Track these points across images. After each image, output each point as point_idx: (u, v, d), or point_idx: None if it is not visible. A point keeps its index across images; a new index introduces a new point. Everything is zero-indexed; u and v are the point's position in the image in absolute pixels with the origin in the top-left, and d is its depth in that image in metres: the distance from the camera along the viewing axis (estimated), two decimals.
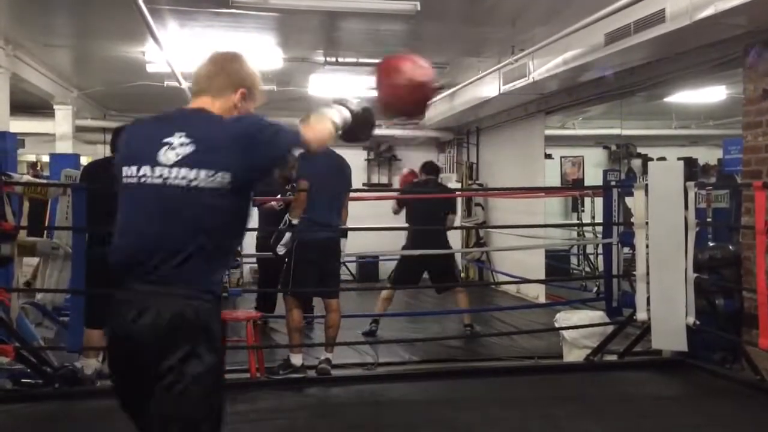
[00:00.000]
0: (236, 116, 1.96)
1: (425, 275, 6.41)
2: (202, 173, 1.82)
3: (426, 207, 6.44)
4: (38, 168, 9.47)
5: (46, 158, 9.02)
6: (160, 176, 1.83)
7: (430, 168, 6.81)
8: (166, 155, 1.84)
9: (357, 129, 2.26)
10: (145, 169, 1.85)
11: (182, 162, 1.83)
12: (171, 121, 1.94)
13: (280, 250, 4.85)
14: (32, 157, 10.01)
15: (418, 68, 2.52)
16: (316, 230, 4.77)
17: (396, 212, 6.45)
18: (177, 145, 1.85)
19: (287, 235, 4.83)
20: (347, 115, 2.19)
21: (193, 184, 1.81)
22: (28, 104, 8.56)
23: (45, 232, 5.17)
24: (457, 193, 9.27)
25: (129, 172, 1.88)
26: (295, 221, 4.76)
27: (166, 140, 1.86)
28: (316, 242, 4.79)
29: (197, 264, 1.82)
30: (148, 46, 6.23)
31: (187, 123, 1.92)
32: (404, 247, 6.48)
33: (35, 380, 4.34)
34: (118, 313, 1.84)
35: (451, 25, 5.76)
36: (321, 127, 2.08)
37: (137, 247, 1.84)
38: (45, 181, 6.28)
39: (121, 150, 2.00)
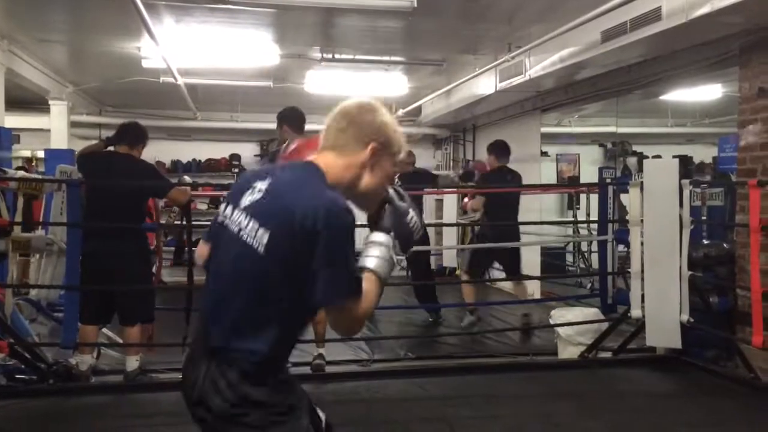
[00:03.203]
0: (329, 198, 1.56)
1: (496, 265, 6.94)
2: (254, 225, 1.60)
3: (505, 198, 6.50)
4: (33, 164, 9.44)
5: (41, 154, 8.99)
6: (238, 224, 1.65)
7: (502, 151, 6.68)
8: (247, 198, 1.66)
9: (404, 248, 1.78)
10: (233, 211, 1.68)
11: (251, 212, 1.63)
12: (275, 165, 1.84)
13: None
14: (27, 153, 9.97)
15: None
16: None
17: (476, 209, 6.61)
18: (259, 190, 1.65)
19: None
20: (398, 255, 1.73)
21: (249, 236, 1.61)
22: (23, 99, 8.52)
23: (39, 227, 5.16)
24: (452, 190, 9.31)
25: (225, 211, 1.72)
26: None
27: (254, 184, 1.68)
28: None
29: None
30: (144, 42, 6.20)
31: (283, 171, 1.72)
32: (482, 237, 6.68)
33: (29, 376, 4.34)
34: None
35: (447, 21, 5.75)
36: (371, 296, 1.62)
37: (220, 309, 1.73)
38: (39, 176, 6.27)
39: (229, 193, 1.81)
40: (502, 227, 6.37)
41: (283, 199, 1.59)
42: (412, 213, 1.74)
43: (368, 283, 1.61)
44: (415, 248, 1.91)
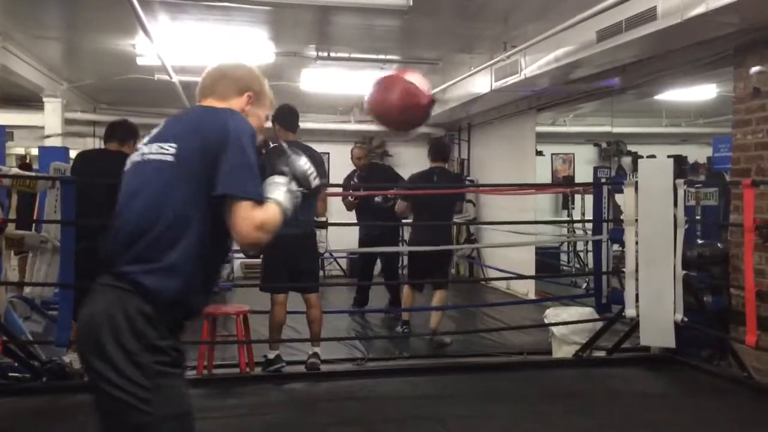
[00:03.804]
0: (230, 111, 1.83)
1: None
2: (153, 146, 1.82)
3: (433, 199, 5.92)
4: (27, 161, 9.41)
5: (35, 151, 8.96)
6: (132, 162, 1.89)
7: (438, 152, 6.14)
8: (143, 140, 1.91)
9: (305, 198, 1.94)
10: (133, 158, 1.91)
11: (147, 141, 1.87)
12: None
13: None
14: (21, 150, 9.94)
15: (417, 85, 2.57)
16: (281, 226, 4.67)
17: (403, 212, 6.09)
18: (154, 130, 1.90)
19: None
20: (297, 200, 1.87)
21: (146, 158, 1.82)
22: (17, 96, 8.50)
23: (33, 225, 5.13)
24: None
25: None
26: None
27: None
28: (282, 239, 4.69)
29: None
30: (139, 39, 6.19)
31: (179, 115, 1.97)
32: (411, 244, 6.11)
33: (23, 374, 4.32)
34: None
35: (443, 20, 5.76)
36: (273, 213, 1.76)
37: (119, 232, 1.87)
38: (33, 173, 6.24)
39: None
40: (428, 231, 5.86)
41: (187, 118, 1.87)
42: (304, 159, 1.92)
43: (272, 205, 1.77)
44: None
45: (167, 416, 1.67)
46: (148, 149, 1.82)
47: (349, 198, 6.59)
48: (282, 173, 1.85)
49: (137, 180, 1.81)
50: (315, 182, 1.93)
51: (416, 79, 2.64)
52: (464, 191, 9.47)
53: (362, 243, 6.86)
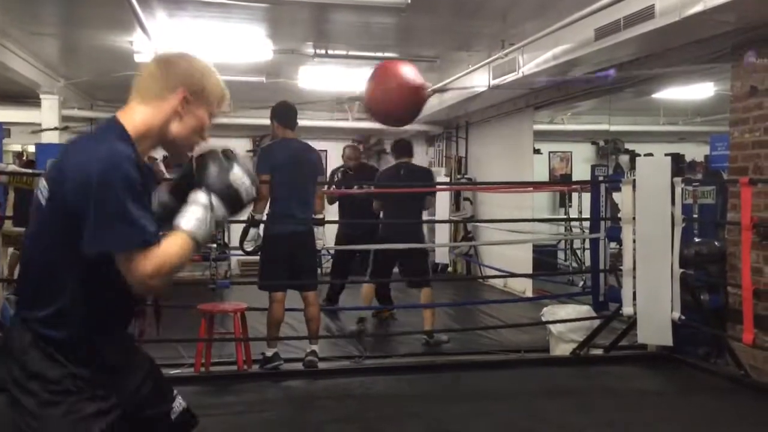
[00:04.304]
0: (102, 154, 1.52)
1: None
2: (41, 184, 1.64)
3: (399, 196, 5.88)
4: (24, 158, 9.39)
5: (32, 148, 8.93)
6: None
7: (402, 148, 6.11)
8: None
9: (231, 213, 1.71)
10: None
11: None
12: None
13: (247, 246, 4.73)
14: (18, 147, 9.92)
15: (410, 73, 2.58)
16: (280, 223, 4.67)
17: (377, 210, 6.08)
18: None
19: (252, 231, 4.72)
20: (219, 213, 1.65)
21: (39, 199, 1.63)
22: (14, 93, 8.46)
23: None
24: (445, 186, 9.31)
25: None
26: (258, 216, 4.70)
27: None
28: (281, 236, 4.67)
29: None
30: (136, 36, 6.17)
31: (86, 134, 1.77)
32: (380, 241, 5.86)
33: None
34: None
35: (441, 18, 5.75)
36: (170, 254, 1.55)
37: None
38: (30, 171, 6.22)
39: None
40: (397, 228, 5.77)
41: (65, 159, 1.59)
42: (238, 171, 1.68)
43: (175, 240, 1.57)
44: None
45: None
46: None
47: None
48: (205, 189, 1.64)
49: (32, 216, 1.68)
50: (246, 195, 1.69)
51: (410, 70, 2.64)
52: (458, 189, 9.51)
53: (342, 239, 6.78)
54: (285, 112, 4.82)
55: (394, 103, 2.62)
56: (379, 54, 6.93)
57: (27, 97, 8.50)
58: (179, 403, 1.87)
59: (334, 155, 9.20)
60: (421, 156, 11.30)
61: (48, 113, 8.30)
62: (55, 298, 1.59)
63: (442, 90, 8.07)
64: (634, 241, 4.77)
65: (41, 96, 8.20)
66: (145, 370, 1.81)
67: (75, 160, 1.55)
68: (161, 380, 1.88)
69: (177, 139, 1.69)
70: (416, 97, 2.62)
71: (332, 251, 7.42)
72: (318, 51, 6.72)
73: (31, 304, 1.62)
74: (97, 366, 1.63)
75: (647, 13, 4.51)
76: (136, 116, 1.65)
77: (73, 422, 1.57)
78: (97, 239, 1.50)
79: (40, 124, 8.35)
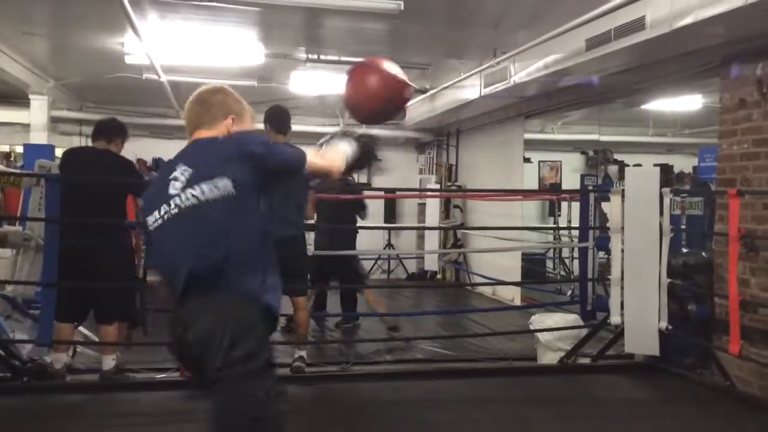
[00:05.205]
0: (241, 133, 2.19)
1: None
2: (204, 187, 2.02)
3: (330, 204, 5.92)
4: (12, 158, 9.32)
5: (20, 149, 8.86)
6: (176, 206, 2.05)
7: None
8: (174, 186, 2.07)
9: (358, 164, 2.51)
10: (164, 208, 2.07)
11: (186, 185, 2.05)
12: (172, 160, 2.17)
13: None
14: (5, 147, 9.84)
15: (390, 70, 2.60)
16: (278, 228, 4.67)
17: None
18: (179, 175, 2.08)
19: None
20: (354, 149, 2.45)
21: (203, 198, 2.02)
22: (3, 93, 8.41)
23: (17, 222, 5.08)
24: (437, 194, 9.32)
25: (152, 219, 2.10)
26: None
27: (171, 176, 2.09)
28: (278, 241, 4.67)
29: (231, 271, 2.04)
30: (128, 37, 6.15)
31: (184, 154, 2.18)
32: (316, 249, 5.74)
33: (3, 374, 4.26)
34: (174, 328, 2.09)
35: (434, 26, 5.77)
36: (331, 156, 2.35)
37: (179, 273, 2.03)
38: (18, 170, 6.17)
39: (143, 206, 2.28)
40: (328, 235, 5.87)
41: (219, 151, 2.11)
42: (347, 146, 2.49)
43: (330, 150, 2.41)
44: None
45: None
46: (182, 197, 2.05)
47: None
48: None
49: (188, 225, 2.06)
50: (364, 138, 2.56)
51: (391, 67, 2.65)
52: (448, 196, 9.50)
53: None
54: (278, 116, 4.78)
55: (374, 93, 2.65)
56: None
57: (16, 96, 8.44)
58: None
59: None
60: (411, 163, 11.31)
61: (37, 113, 8.25)
62: (261, 263, 2.25)
63: (423, 90, 8.09)
64: (622, 251, 4.78)
65: (30, 96, 8.15)
66: None
67: (216, 144, 2.15)
68: None
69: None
70: (397, 86, 2.66)
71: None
72: (310, 56, 6.72)
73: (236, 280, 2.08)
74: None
75: (638, 25, 4.54)
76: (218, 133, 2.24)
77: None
78: (290, 159, 2.20)
79: (28, 125, 8.30)
